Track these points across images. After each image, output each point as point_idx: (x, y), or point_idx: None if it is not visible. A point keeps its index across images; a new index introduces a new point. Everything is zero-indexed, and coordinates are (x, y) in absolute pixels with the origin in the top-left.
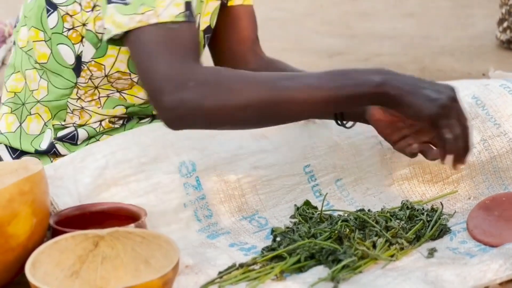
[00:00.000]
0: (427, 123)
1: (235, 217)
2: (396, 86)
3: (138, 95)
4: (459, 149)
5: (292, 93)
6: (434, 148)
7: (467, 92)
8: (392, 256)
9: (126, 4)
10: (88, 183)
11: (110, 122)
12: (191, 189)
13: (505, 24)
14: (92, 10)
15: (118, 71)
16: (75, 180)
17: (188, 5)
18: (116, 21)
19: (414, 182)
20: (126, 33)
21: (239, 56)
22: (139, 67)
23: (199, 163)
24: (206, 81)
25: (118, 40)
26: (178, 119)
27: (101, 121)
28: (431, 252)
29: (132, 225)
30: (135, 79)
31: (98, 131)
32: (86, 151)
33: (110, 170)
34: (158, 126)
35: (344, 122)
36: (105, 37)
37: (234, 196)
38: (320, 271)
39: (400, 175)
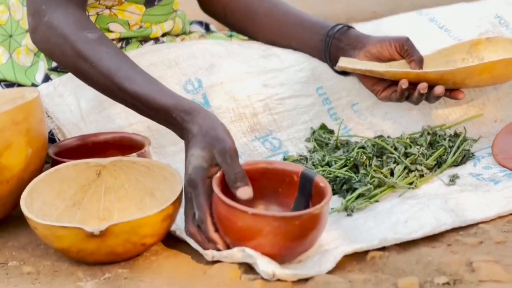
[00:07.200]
0: None
1: (247, 138)
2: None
3: (129, 9)
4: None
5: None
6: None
7: (489, 11)
8: (410, 183)
9: None
10: (91, 99)
11: None
12: None
13: None
14: None
15: None
16: (76, 97)
17: None
18: None
19: (436, 104)
20: None
21: None
22: None
23: (205, 80)
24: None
25: None
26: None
27: None
28: (453, 179)
29: (135, 154)
30: None
31: None
32: None
33: None
34: (161, 47)
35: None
36: None
37: (245, 115)
38: (334, 201)
39: None
